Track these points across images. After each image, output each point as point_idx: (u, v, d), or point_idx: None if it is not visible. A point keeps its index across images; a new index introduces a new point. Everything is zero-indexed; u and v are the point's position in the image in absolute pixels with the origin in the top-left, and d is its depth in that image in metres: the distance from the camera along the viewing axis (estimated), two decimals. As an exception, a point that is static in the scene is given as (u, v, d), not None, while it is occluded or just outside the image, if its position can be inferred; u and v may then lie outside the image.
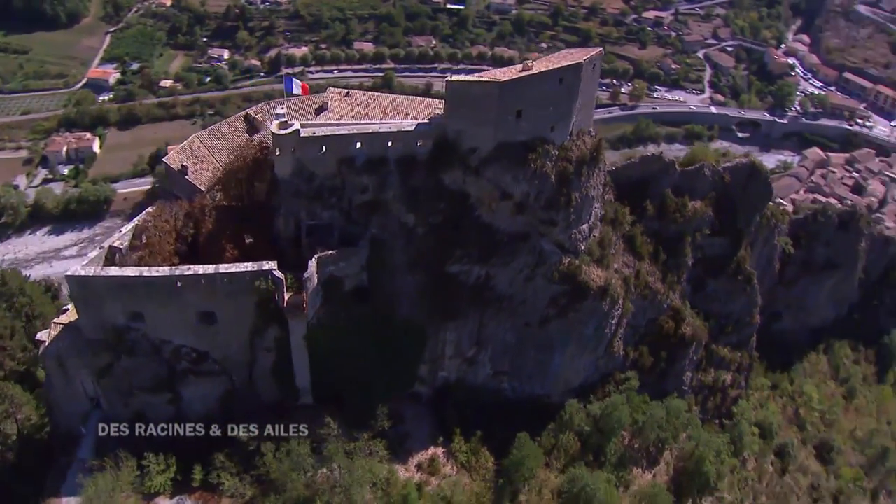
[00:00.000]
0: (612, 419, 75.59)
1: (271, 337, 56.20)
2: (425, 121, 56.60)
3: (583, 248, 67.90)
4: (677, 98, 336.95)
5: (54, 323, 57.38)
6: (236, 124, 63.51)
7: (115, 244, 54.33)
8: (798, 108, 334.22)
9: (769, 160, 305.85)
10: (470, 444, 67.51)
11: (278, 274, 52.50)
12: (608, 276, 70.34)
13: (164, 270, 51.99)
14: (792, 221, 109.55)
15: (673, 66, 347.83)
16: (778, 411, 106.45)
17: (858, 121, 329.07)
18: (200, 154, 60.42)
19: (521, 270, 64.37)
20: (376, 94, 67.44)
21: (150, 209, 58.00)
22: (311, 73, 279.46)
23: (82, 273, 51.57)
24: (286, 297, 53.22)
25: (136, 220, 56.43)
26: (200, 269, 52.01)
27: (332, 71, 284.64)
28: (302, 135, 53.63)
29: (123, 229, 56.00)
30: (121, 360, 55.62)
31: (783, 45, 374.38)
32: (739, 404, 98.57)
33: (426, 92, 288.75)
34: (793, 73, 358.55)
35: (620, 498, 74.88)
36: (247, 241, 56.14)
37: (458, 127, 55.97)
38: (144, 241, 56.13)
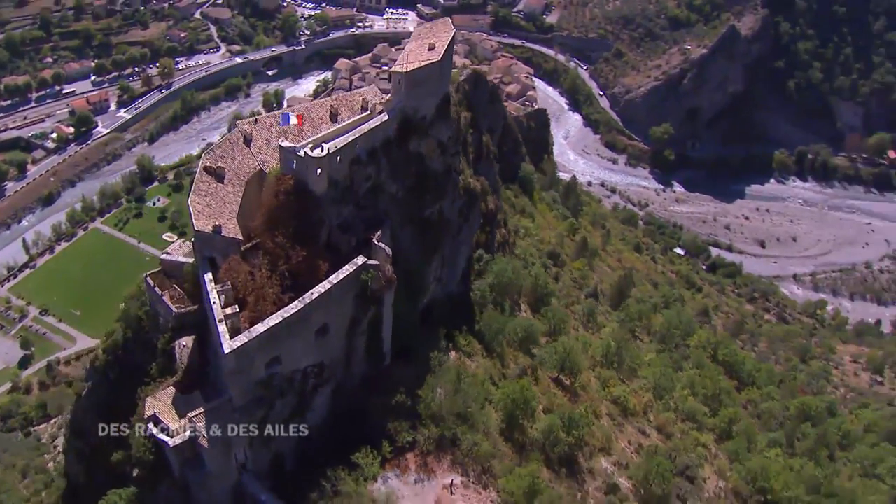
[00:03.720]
0: (503, 279, 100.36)
1: (366, 320, 66.70)
2: (393, 109, 70.36)
3: (460, 166, 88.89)
4: (201, 62, 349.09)
5: (188, 418, 58.80)
6: (206, 179, 66.57)
7: (228, 312, 58.35)
8: (307, 31, 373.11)
9: (307, 83, 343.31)
10: (465, 339, 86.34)
11: (373, 262, 63.77)
12: (475, 181, 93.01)
13: (296, 305, 59.08)
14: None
15: (182, 35, 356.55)
16: (526, 244, 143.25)
17: (359, 24, 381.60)
18: (208, 213, 63.57)
19: (450, 197, 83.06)
20: (278, 112, 76.06)
21: (209, 277, 61.43)
22: None
23: (239, 344, 55.89)
24: (384, 276, 64.83)
25: (216, 291, 60.00)
26: (321, 287, 60.43)
27: None
28: (331, 152, 63.71)
29: (215, 300, 59.25)
30: (274, 407, 61.08)
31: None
32: (517, 245, 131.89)
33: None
34: (286, 4, 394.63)
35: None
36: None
37: (414, 104, 71.43)
38: (226, 300, 60.40)
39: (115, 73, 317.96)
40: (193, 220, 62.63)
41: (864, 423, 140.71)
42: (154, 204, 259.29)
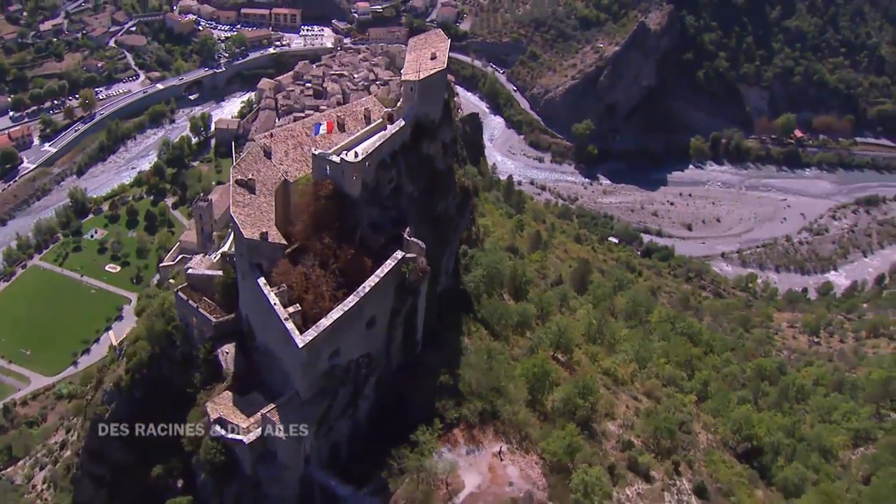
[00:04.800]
0: (491, 271, 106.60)
1: (404, 310, 71.86)
2: (407, 115, 75.86)
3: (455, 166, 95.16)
4: (122, 91, 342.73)
5: (263, 414, 62.56)
6: (240, 191, 70.07)
7: (291, 311, 62.60)
8: (225, 54, 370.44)
9: (231, 105, 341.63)
10: (475, 325, 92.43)
11: (410, 255, 69.19)
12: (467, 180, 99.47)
13: (352, 298, 63.87)
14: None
15: (99, 65, 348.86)
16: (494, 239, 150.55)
17: (276, 43, 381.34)
18: (251, 222, 67.28)
19: (451, 194, 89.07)
20: (291, 125, 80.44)
21: (263, 282, 65.26)
22: None
23: (310, 338, 60.28)
24: (420, 268, 70.24)
25: (273, 293, 63.96)
26: (371, 280, 65.42)
27: None
28: (363, 158, 68.77)
29: (275, 301, 63.15)
30: (338, 395, 65.59)
31: (175, 7, 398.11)
32: (488, 239, 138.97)
33: None
34: (200, 28, 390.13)
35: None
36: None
37: (424, 109, 77.21)
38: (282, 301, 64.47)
39: (35, 107, 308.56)
40: (241, 230, 66.41)
41: (812, 379, 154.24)
42: (92, 236, 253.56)
